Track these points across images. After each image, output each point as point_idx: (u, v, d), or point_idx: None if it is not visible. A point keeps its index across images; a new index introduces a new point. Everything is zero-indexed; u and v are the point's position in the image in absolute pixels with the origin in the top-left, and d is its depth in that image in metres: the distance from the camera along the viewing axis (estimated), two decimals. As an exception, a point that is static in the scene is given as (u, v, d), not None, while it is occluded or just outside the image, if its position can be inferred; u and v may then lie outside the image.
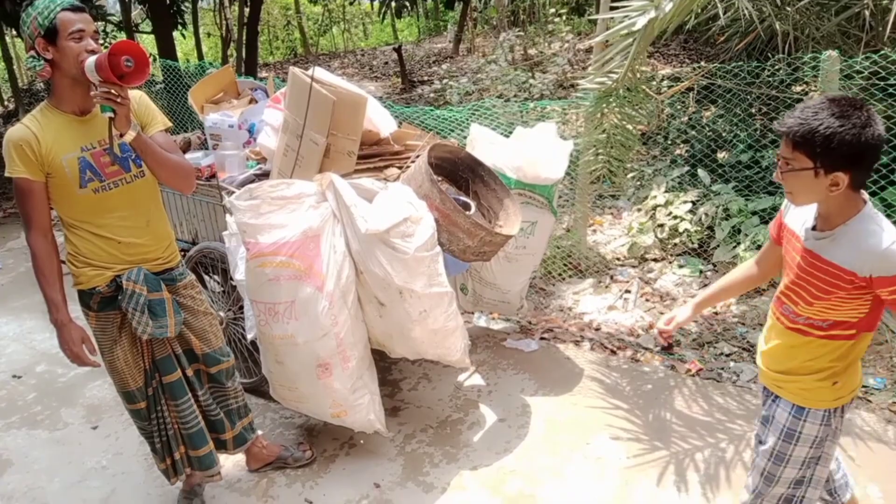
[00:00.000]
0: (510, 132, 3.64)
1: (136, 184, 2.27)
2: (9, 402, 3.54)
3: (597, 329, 3.92)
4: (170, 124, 2.40)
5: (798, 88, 4.81)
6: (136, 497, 2.82)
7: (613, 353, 3.65)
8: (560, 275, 4.55)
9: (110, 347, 2.35)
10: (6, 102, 13.23)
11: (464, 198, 3.15)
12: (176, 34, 11.44)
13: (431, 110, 4.69)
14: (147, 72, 2.04)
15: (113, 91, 1.99)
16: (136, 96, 2.30)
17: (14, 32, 10.88)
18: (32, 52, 2.10)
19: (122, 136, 2.07)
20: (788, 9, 4.15)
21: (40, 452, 3.13)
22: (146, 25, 12.81)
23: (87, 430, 3.27)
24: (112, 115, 2.03)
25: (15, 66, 13.44)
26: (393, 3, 10.28)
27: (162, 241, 2.39)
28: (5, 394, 3.60)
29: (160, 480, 2.86)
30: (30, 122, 2.15)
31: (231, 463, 2.94)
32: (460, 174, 3.24)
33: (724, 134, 5.26)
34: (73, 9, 2.07)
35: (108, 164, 2.21)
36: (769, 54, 4.50)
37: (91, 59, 2.00)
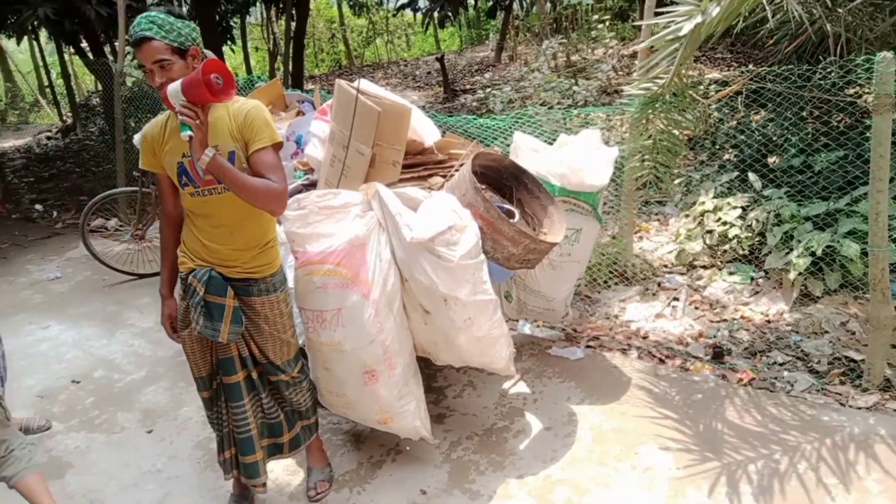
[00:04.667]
0: (553, 139, 3.63)
1: (225, 195, 2.31)
2: (69, 406, 3.67)
3: (644, 337, 3.86)
4: (278, 139, 2.31)
5: (851, 91, 4.68)
6: (190, 500, 2.89)
7: (662, 361, 3.60)
8: (606, 282, 4.50)
9: (182, 331, 2.49)
10: (65, 117, 13.74)
11: (508, 206, 3.15)
12: (225, 49, 11.76)
13: (474, 119, 4.71)
14: (234, 85, 2.16)
15: (191, 113, 2.09)
16: (246, 109, 2.28)
17: (72, 50, 11.33)
18: None
19: (198, 160, 2.13)
20: (840, 10, 4.04)
21: (98, 455, 3.24)
22: (196, 41, 13.18)
23: (142, 434, 3.37)
24: (191, 134, 2.11)
25: (73, 82, 13.99)
26: (436, 14, 10.36)
27: (245, 252, 2.40)
28: (65, 398, 3.74)
29: (212, 484, 2.94)
30: (157, 120, 2.39)
31: (281, 467, 2.99)
32: (504, 182, 3.24)
33: (774, 138, 5.15)
34: (136, 44, 2.19)
35: (203, 173, 2.28)
36: (820, 57, 4.39)
37: (175, 85, 2.10)
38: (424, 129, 3.39)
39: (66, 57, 13.12)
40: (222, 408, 2.58)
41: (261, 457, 2.62)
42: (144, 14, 2.21)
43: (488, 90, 9.29)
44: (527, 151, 3.37)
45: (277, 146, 2.32)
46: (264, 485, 2.67)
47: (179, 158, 2.30)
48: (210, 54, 2.35)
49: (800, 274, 3.86)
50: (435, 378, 3.57)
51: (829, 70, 4.08)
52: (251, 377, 2.55)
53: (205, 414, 2.70)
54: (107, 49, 9.73)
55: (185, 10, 11.14)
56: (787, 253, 3.99)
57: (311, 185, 3.34)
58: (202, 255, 2.41)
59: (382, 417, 2.79)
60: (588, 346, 3.80)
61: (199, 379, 2.57)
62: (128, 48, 8.43)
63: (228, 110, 2.28)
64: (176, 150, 2.30)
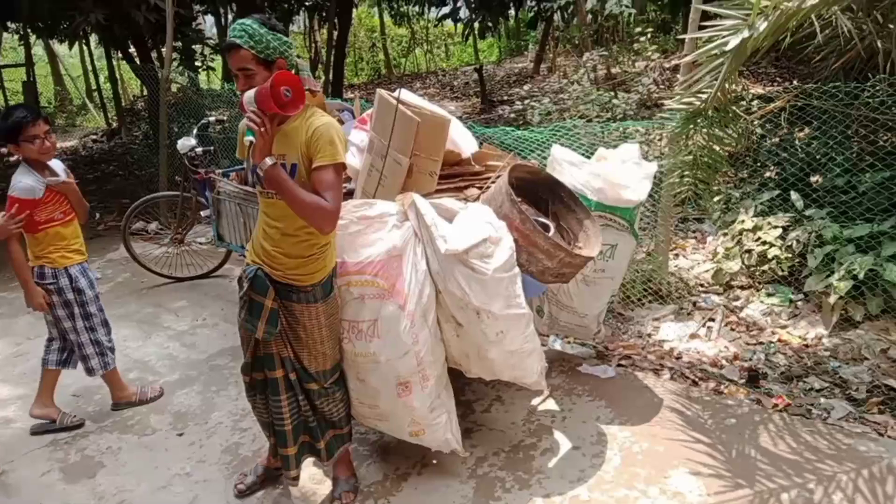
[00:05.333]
0: (591, 153, 3.60)
1: (282, 201, 2.37)
2: (103, 406, 3.74)
3: (677, 358, 3.79)
4: (340, 160, 2.31)
5: (901, 110, 4.55)
6: None
7: (695, 383, 3.52)
8: (640, 300, 4.43)
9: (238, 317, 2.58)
10: (111, 121, 14.10)
11: (543, 219, 3.13)
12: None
13: (512, 130, 4.69)
14: (304, 99, 2.23)
15: (258, 120, 2.17)
16: (316, 125, 2.31)
17: (120, 55, 11.63)
18: None
19: (255, 166, 2.21)
20: (891, 26, 3.93)
21: (129, 456, 3.29)
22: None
23: (172, 437, 3.41)
24: (252, 139, 2.19)
25: (119, 87, 14.36)
26: (477, 24, 10.39)
27: (289, 259, 2.46)
28: (100, 398, 3.80)
29: (240, 488, 2.96)
30: None
31: (307, 475, 3.00)
32: (540, 195, 3.22)
33: (818, 157, 5.02)
34: (226, 50, 2.32)
35: None
36: (869, 74, 4.28)
37: (250, 92, 2.19)
38: (462, 140, 3.39)
39: (115, 62, 13.48)
40: (257, 398, 2.72)
41: (293, 452, 2.70)
42: (240, 21, 2.31)
43: (526, 102, 9.27)
44: (564, 164, 3.34)
45: (339, 167, 2.34)
46: (296, 478, 2.76)
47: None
48: (304, 67, 2.45)
49: (840, 298, 3.75)
50: (463, 391, 3.54)
51: (878, 88, 3.97)
52: (288, 377, 2.61)
53: (234, 419, 2.75)
54: (153, 55, 9.95)
55: (230, 17, 11.36)
56: (828, 275, 3.88)
57: (348, 194, 3.36)
58: (258, 252, 2.53)
59: (415, 429, 2.78)
60: (619, 365, 3.74)
61: (244, 363, 2.68)
62: (175, 54, 8.63)
63: (305, 123, 2.33)
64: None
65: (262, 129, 2.19)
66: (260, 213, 2.55)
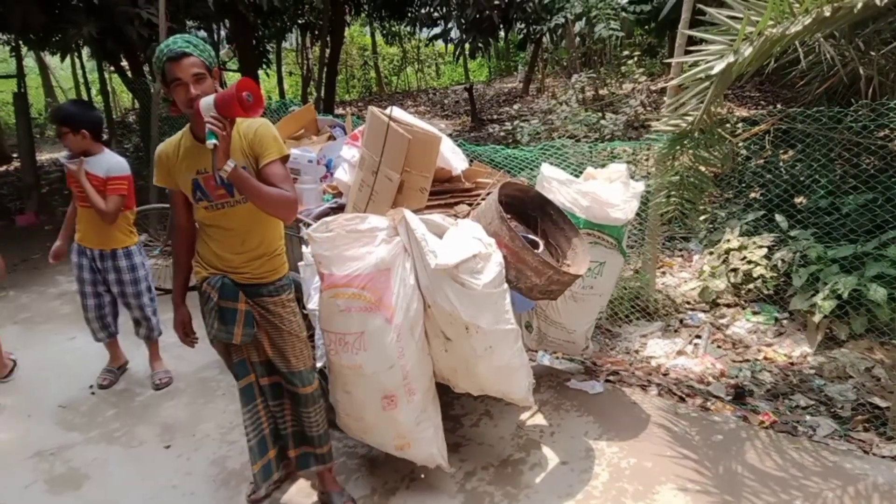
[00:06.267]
0: (580, 172, 3.65)
1: (237, 208, 2.49)
2: (90, 417, 3.72)
3: (665, 374, 3.82)
4: (286, 152, 2.47)
5: (881, 134, 4.65)
6: (204, 517, 2.90)
7: (682, 399, 3.55)
8: (627, 317, 4.47)
9: (209, 335, 2.64)
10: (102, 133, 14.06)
11: (532, 236, 3.16)
12: (260, 73, 12.01)
13: (502, 149, 4.75)
14: (262, 104, 2.28)
15: (220, 124, 2.20)
16: (255, 126, 2.44)
17: (112, 68, 11.64)
18: (163, 93, 2.44)
19: (219, 169, 2.24)
20: (872, 53, 4.04)
21: (116, 468, 3.26)
22: (232, 64, 13.50)
23: (160, 449, 3.39)
24: (215, 142, 2.20)
25: (111, 100, 14.33)
26: (467, 45, 10.50)
27: (255, 261, 2.57)
28: (87, 409, 3.78)
29: (227, 502, 2.95)
30: (171, 140, 2.54)
31: (296, 489, 2.99)
32: (529, 212, 3.26)
33: (802, 178, 5.11)
34: (173, 59, 2.31)
35: (216, 188, 2.45)
36: (852, 99, 4.37)
37: (210, 98, 2.23)
38: (453, 158, 3.43)
39: (106, 75, 13.48)
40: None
41: (271, 457, 2.79)
42: (179, 35, 2.40)
43: (516, 121, 9.36)
44: (553, 183, 3.39)
45: (285, 159, 2.48)
46: (275, 483, 2.91)
47: (194, 175, 2.46)
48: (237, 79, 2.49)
49: (825, 317, 3.81)
50: (452, 406, 3.56)
51: (860, 112, 4.06)
52: (260, 383, 2.70)
53: (221, 432, 2.77)
54: (145, 68, 9.97)
55: (223, 34, 11.44)
56: (813, 295, 3.94)
57: (339, 209, 3.39)
58: (215, 264, 2.58)
59: (400, 443, 2.79)
60: (607, 381, 3.77)
61: (235, 375, 2.76)
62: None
63: (238, 130, 2.42)
64: (190, 168, 2.46)
65: (224, 133, 2.22)
66: (208, 230, 2.57)
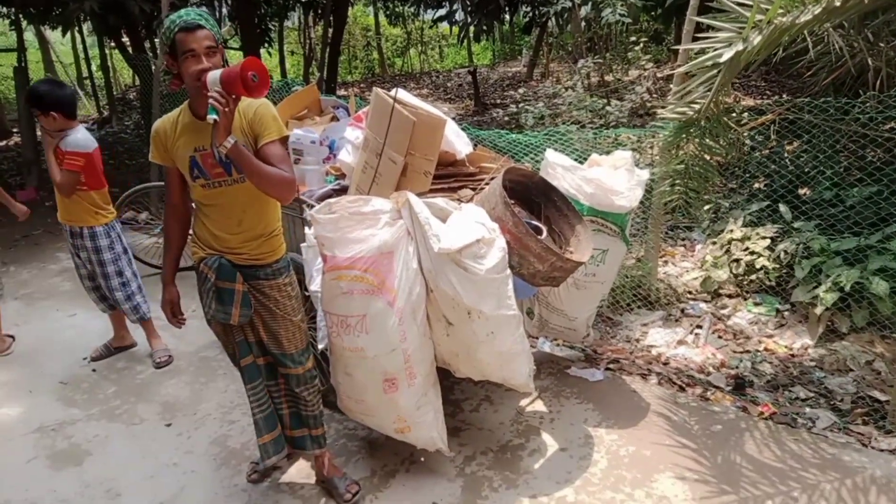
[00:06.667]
0: (584, 158, 3.63)
1: (235, 187, 2.46)
2: (91, 394, 3.73)
3: (665, 363, 3.83)
4: (285, 133, 2.46)
5: (888, 126, 4.62)
6: (205, 495, 2.91)
7: (682, 389, 3.56)
8: (628, 305, 4.47)
9: (206, 315, 2.62)
10: (102, 110, 13.99)
11: (535, 222, 3.15)
12: (262, 51, 11.91)
13: (506, 133, 4.72)
14: (268, 85, 2.26)
15: (222, 100, 2.17)
16: (255, 106, 2.42)
17: (112, 44, 11.55)
18: (164, 66, 2.38)
19: (219, 145, 2.22)
20: (881, 44, 4.00)
21: (117, 445, 3.28)
22: (234, 42, 13.39)
23: (161, 427, 3.40)
24: (216, 118, 2.18)
25: (111, 76, 14.24)
26: (472, 28, 10.41)
27: (252, 241, 2.54)
28: (88, 386, 3.79)
29: (227, 481, 2.97)
30: (169, 116, 2.50)
31: (296, 469, 3.01)
32: (533, 198, 3.24)
33: (807, 169, 5.09)
34: (187, 29, 2.27)
35: (214, 166, 2.42)
36: (859, 90, 4.34)
37: (216, 73, 2.21)
38: (457, 142, 3.41)
39: (107, 51, 13.38)
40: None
41: (276, 435, 2.79)
42: (187, 9, 2.37)
43: (520, 105, 9.31)
44: (557, 169, 3.37)
45: (284, 140, 2.47)
46: (283, 458, 2.88)
47: (191, 153, 2.43)
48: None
49: (827, 309, 3.81)
50: (452, 391, 3.56)
51: (867, 104, 4.03)
52: (258, 363, 2.70)
53: (222, 412, 2.77)
54: (146, 45, 9.91)
55: (225, 11, 11.34)
56: (815, 287, 3.94)
57: (342, 191, 3.37)
58: (212, 244, 2.56)
59: (400, 426, 2.80)
60: (608, 369, 3.77)
61: (230, 355, 2.77)
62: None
63: (239, 109, 2.39)
64: (188, 145, 2.43)
65: (227, 110, 2.20)
66: (205, 209, 2.54)
